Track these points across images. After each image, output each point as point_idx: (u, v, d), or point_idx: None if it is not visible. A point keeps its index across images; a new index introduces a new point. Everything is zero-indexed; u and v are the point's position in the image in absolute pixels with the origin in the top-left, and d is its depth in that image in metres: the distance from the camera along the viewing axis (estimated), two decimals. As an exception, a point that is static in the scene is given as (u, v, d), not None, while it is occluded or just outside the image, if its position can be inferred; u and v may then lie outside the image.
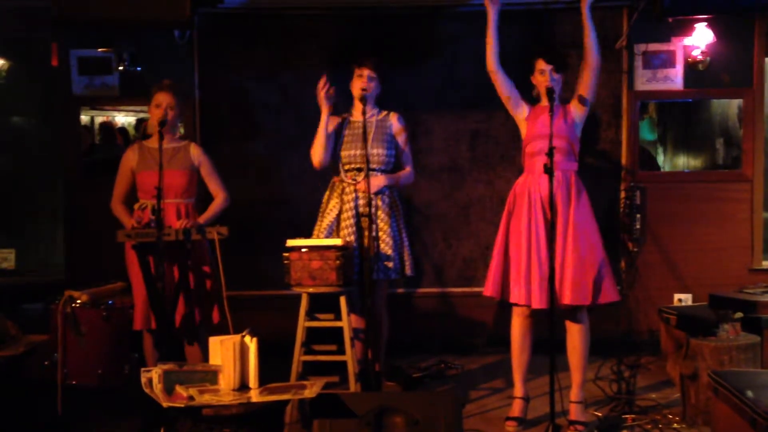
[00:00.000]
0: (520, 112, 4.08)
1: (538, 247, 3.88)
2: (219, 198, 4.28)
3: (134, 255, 3.98)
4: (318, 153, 4.21)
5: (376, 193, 4.18)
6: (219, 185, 4.30)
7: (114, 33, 5.29)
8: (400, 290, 5.42)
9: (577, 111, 4.01)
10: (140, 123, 7.11)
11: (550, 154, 3.60)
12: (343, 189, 4.22)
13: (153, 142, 4.16)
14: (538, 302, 3.86)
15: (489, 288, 4.06)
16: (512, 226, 4.01)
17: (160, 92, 4.16)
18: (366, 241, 4.08)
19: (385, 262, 4.15)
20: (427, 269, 5.52)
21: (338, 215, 4.21)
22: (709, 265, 5.45)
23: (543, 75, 3.97)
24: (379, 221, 4.17)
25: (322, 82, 4.17)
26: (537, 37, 5.32)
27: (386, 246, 4.16)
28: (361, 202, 4.16)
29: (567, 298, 3.83)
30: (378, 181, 4.19)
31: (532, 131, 4.01)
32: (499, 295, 4.03)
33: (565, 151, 3.92)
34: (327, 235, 4.18)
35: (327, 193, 4.32)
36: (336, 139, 4.26)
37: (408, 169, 4.37)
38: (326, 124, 4.19)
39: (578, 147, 4.02)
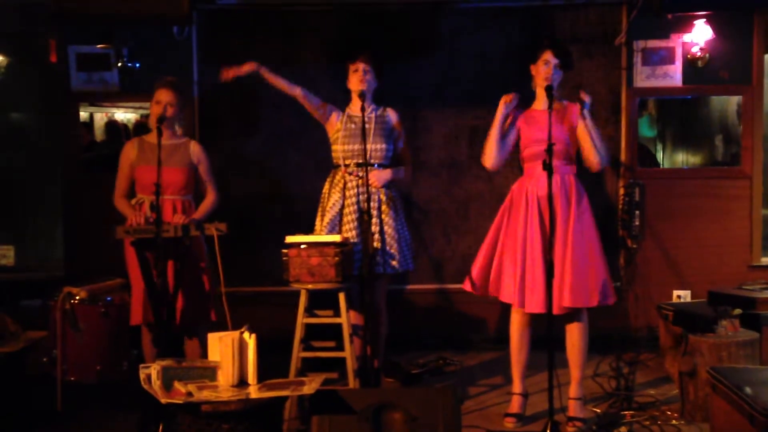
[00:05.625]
0: (514, 131, 4.05)
1: (533, 250, 3.88)
2: (211, 197, 4.29)
3: (133, 251, 3.97)
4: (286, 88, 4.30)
5: (380, 188, 4.18)
6: (213, 186, 4.31)
7: (112, 29, 5.29)
8: (400, 287, 5.42)
9: (578, 125, 3.99)
10: (140, 125, 7.10)
11: (548, 150, 3.59)
12: (345, 184, 4.21)
13: (153, 138, 4.16)
14: (533, 306, 3.87)
15: (467, 283, 4.08)
16: (508, 228, 4.01)
17: (162, 88, 4.16)
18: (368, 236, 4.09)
19: (390, 257, 4.15)
20: (426, 265, 5.52)
21: (340, 210, 4.20)
22: (708, 262, 5.46)
23: (547, 66, 3.94)
24: (383, 215, 4.17)
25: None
26: (536, 33, 5.31)
27: (391, 240, 4.16)
28: (363, 197, 4.15)
29: (567, 300, 3.83)
30: (384, 174, 4.19)
31: (529, 136, 3.99)
32: (476, 291, 4.04)
33: (562, 154, 3.91)
34: (329, 231, 4.17)
35: (327, 186, 4.30)
36: (335, 133, 4.27)
37: (409, 165, 4.39)
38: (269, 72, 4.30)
39: (576, 150, 4.01)
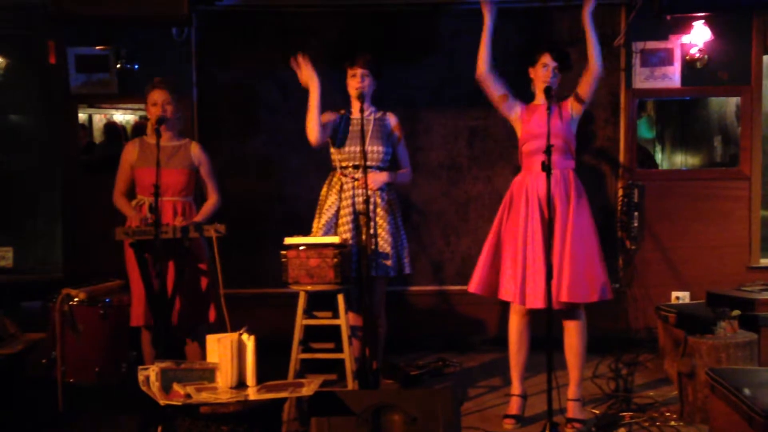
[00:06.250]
0: (514, 112, 4.08)
1: (534, 246, 3.88)
2: (212, 199, 4.30)
3: (132, 253, 3.97)
4: (312, 130, 4.13)
5: (377, 190, 4.18)
6: (214, 187, 4.32)
7: (111, 30, 5.30)
8: (399, 288, 5.42)
9: (573, 109, 4.01)
10: (139, 126, 7.10)
11: (547, 152, 3.60)
12: (342, 186, 4.22)
13: (154, 139, 4.16)
14: (533, 301, 3.86)
15: (473, 284, 4.06)
16: (508, 225, 4.02)
17: (154, 90, 4.16)
18: (364, 238, 4.08)
19: (384, 260, 4.15)
20: (425, 267, 5.52)
21: (337, 212, 4.20)
22: (707, 263, 5.46)
23: (545, 69, 3.95)
24: (378, 218, 4.17)
25: (296, 60, 4.16)
26: (535, 35, 5.32)
27: (385, 243, 4.16)
28: (359, 199, 4.15)
29: (564, 295, 3.83)
30: (381, 177, 4.19)
31: (527, 131, 4.01)
32: (484, 292, 4.03)
33: (561, 149, 3.91)
34: (326, 232, 4.17)
35: (325, 188, 4.31)
36: (333, 135, 4.26)
37: (408, 168, 4.38)
38: (318, 98, 4.12)
39: (575, 145, 4.02)
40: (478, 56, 4.06)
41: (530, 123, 4.00)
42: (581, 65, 5.32)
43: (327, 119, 4.24)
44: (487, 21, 4.05)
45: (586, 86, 3.99)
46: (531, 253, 3.89)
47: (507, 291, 3.97)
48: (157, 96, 4.15)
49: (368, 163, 4.11)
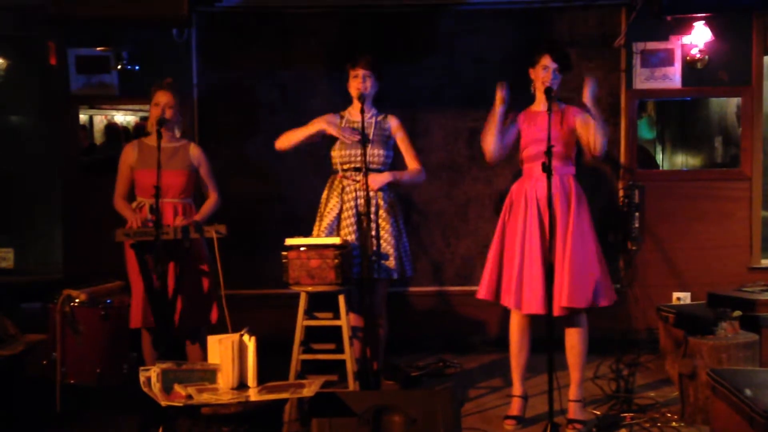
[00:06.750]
0: (514, 129, 4.05)
1: (531, 251, 3.87)
2: (212, 199, 4.31)
3: (133, 254, 3.97)
4: (284, 142, 4.29)
5: (378, 191, 4.16)
6: (214, 187, 4.32)
7: (112, 31, 5.30)
8: (399, 289, 5.42)
9: (578, 125, 3.97)
10: (140, 127, 7.11)
11: (548, 153, 3.59)
12: (343, 188, 4.20)
13: (152, 141, 4.15)
14: (529, 307, 3.86)
15: (483, 291, 4.06)
16: (508, 230, 4.01)
17: (160, 91, 4.16)
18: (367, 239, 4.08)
19: (386, 262, 4.14)
20: (425, 267, 5.52)
21: (338, 214, 4.19)
22: (708, 264, 5.46)
23: (546, 71, 3.94)
24: (380, 220, 4.15)
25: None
26: (535, 35, 5.32)
27: (388, 245, 4.14)
28: (361, 201, 4.14)
29: (565, 300, 3.82)
30: (382, 177, 4.16)
31: (527, 136, 3.99)
32: (493, 298, 4.03)
33: (561, 155, 3.90)
34: (327, 235, 4.15)
35: (326, 191, 4.29)
36: (332, 138, 4.24)
37: (417, 167, 4.28)
38: (313, 134, 4.24)
39: (575, 152, 4.01)
40: (488, 144, 4.01)
41: (531, 128, 3.99)
42: (581, 67, 5.38)
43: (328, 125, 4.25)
44: (497, 107, 3.96)
45: (584, 150, 3.99)
46: (528, 258, 3.88)
47: (506, 297, 3.97)
48: (161, 97, 4.15)
49: (369, 165, 4.09)
